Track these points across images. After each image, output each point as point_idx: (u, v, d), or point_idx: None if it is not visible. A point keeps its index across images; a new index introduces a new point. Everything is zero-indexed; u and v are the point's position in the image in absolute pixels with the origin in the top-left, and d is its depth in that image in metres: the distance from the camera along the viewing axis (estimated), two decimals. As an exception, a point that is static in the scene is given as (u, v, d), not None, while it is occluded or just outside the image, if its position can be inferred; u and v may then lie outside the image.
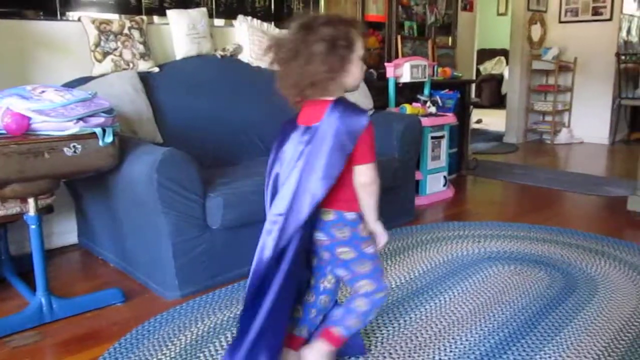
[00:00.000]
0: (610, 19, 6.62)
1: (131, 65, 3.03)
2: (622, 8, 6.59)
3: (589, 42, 6.75)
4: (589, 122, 6.88)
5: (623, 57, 6.61)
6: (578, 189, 4.44)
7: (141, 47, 3.08)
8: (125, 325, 2.20)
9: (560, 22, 6.99)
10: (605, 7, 6.64)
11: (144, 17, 3.17)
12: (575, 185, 4.56)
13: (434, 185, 4.06)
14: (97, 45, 2.95)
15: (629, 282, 2.56)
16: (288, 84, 1.59)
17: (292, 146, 1.64)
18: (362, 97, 3.59)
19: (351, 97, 3.34)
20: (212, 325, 2.18)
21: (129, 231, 2.60)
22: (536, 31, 6.97)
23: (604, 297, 2.40)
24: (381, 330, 2.12)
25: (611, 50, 6.60)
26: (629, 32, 6.89)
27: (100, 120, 2.18)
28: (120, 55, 3.01)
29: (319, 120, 1.57)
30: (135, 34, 3.07)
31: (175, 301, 2.40)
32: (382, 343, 2.03)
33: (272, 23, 3.84)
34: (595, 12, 6.72)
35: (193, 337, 2.09)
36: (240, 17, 3.65)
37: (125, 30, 3.04)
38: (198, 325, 2.18)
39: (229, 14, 3.65)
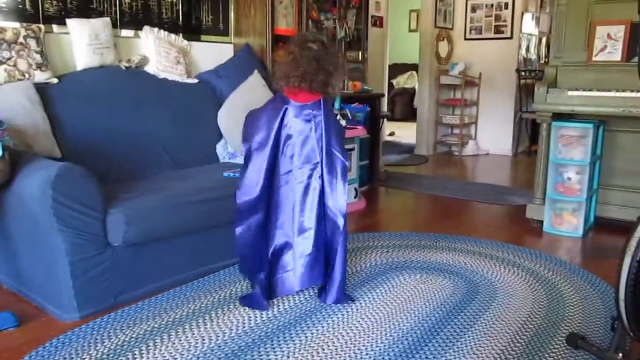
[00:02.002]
0: (511, 37, 7.01)
1: (27, 75, 2.88)
2: (521, 27, 7.00)
3: (492, 58, 7.10)
4: (494, 134, 7.23)
5: (523, 73, 7.00)
6: (483, 199, 4.64)
7: (38, 57, 2.94)
8: (17, 351, 2.07)
9: (466, 39, 7.31)
10: (506, 26, 7.02)
11: (42, 26, 3.03)
12: (481, 195, 4.76)
13: (346, 197, 4.10)
14: (-11, 54, 2.79)
15: (526, 287, 2.69)
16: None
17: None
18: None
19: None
20: (112, 347, 2.08)
21: (23, 251, 2.46)
22: (443, 47, 7.26)
23: (503, 302, 2.51)
24: (287, 344, 2.11)
25: (512, 66, 6.98)
26: (527, 49, 7.31)
27: (-12, 133, 2.06)
28: (15, 65, 2.86)
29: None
30: (32, 43, 2.93)
31: (73, 323, 2.28)
32: (288, 357, 2.02)
33: (180, 34, 3.78)
34: (497, 30, 7.09)
35: (91, 360, 2.00)
36: (146, 28, 3.57)
37: (20, 39, 2.89)
38: (97, 348, 2.08)
39: (135, 25, 3.56)
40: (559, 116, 3.63)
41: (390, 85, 10.41)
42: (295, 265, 2.50)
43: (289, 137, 2.43)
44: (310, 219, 2.46)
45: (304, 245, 2.47)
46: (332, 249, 2.48)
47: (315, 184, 2.45)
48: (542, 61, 7.54)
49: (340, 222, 2.43)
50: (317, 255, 2.49)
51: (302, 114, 2.42)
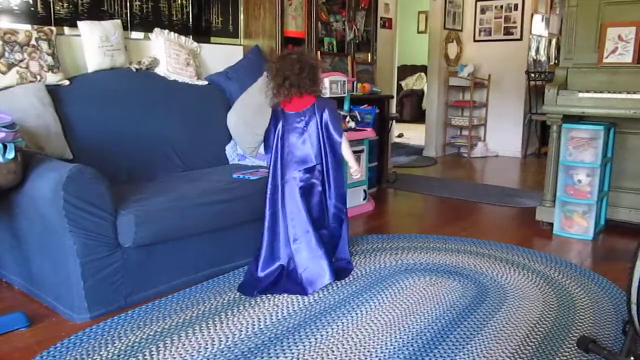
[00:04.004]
0: (520, 39, 6.99)
1: (39, 77, 2.90)
2: (531, 29, 6.97)
3: (502, 60, 7.08)
4: (503, 136, 7.21)
5: (532, 75, 6.98)
6: (492, 201, 4.62)
7: (50, 59, 2.96)
8: (28, 351, 2.08)
9: (475, 40, 7.30)
10: (515, 27, 7.00)
11: (53, 28, 3.05)
12: (490, 197, 4.74)
13: (354, 199, 4.11)
14: (1, 56, 2.80)
15: (536, 289, 2.68)
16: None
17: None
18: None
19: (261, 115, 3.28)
20: (123, 348, 2.09)
21: (34, 252, 2.48)
22: (452, 49, 7.24)
23: (513, 305, 2.50)
24: (297, 346, 2.11)
25: (522, 68, 6.96)
26: (537, 51, 7.29)
27: (1, 135, 2.08)
28: (27, 67, 2.88)
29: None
30: (44, 45, 2.95)
31: (84, 324, 2.30)
32: (298, 359, 2.02)
33: (190, 36, 3.80)
34: (507, 32, 7.07)
35: (102, 361, 2.01)
36: (156, 30, 3.58)
37: (33, 41, 2.91)
38: (108, 348, 2.09)
39: (145, 27, 3.58)
40: (569, 118, 3.62)
41: (399, 86, 10.41)
42: (305, 264, 2.64)
43: (284, 142, 2.66)
44: (308, 221, 2.64)
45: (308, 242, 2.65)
46: (336, 236, 2.80)
47: (316, 184, 2.69)
48: (552, 63, 7.51)
49: (342, 210, 2.78)
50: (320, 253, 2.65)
51: (296, 120, 2.65)
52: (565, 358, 2.05)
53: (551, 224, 3.70)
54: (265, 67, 2.74)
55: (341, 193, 2.76)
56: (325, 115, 2.66)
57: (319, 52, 4.48)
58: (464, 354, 2.06)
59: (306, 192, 2.66)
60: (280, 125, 2.68)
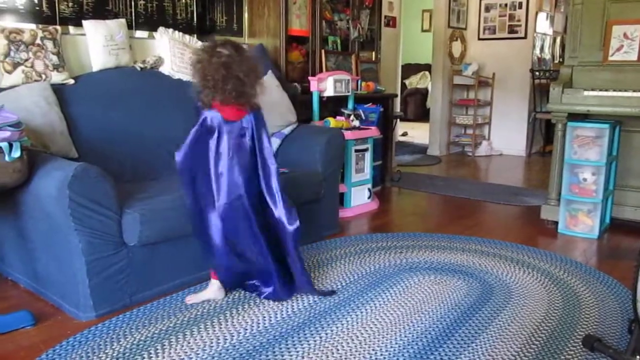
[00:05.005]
0: (524, 37, 6.97)
1: (44, 76, 2.91)
2: (535, 27, 6.96)
3: (506, 58, 7.07)
4: (508, 135, 7.19)
5: (537, 73, 6.96)
6: (497, 199, 4.61)
7: (55, 58, 2.96)
8: (34, 349, 2.09)
9: (479, 39, 7.29)
10: (520, 26, 6.98)
11: (58, 27, 3.05)
12: (494, 196, 4.74)
13: (358, 197, 4.11)
14: (7, 55, 2.81)
15: (541, 288, 2.67)
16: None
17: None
18: (286, 111, 3.59)
19: (277, 110, 3.35)
20: (128, 346, 2.10)
21: (39, 250, 2.48)
22: (457, 47, 7.23)
23: (518, 304, 2.49)
24: (302, 345, 2.11)
25: (526, 66, 6.95)
26: (542, 49, 7.27)
27: (6, 134, 2.09)
28: (32, 66, 2.88)
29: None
30: (49, 44, 2.96)
31: (89, 322, 2.30)
32: (302, 357, 2.02)
33: (195, 35, 3.80)
34: (511, 30, 7.06)
35: (108, 359, 2.01)
36: (161, 29, 3.58)
37: (38, 41, 2.92)
38: (114, 347, 2.10)
39: (150, 26, 3.58)
40: (574, 116, 3.60)
41: (403, 85, 10.39)
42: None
43: (223, 154, 2.34)
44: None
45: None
46: (285, 251, 2.46)
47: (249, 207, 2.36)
48: (557, 61, 7.49)
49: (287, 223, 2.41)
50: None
51: (235, 129, 2.33)
52: (570, 357, 2.05)
53: (556, 223, 3.69)
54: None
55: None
56: (260, 134, 2.37)
57: (323, 51, 4.48)
58: (469, 353, 2.06)
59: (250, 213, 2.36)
60: (216, 133, 2.32)
